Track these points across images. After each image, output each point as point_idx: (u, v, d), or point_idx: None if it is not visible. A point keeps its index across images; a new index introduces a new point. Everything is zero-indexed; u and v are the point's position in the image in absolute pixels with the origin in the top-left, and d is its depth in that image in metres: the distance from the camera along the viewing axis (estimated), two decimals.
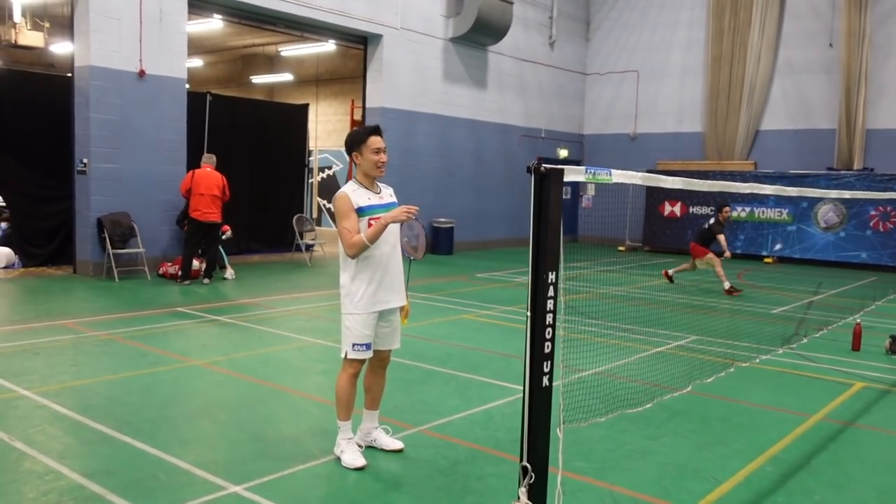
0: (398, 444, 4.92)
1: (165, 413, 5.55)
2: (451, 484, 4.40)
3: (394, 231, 4.70)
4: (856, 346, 8.50)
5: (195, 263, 12.14)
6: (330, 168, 25.40)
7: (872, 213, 17.44)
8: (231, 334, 8.43)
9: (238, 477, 4.37)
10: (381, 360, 4.88)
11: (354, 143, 4.70)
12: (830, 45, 18.83)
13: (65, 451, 4.74)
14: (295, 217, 15.66)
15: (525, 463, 2.63)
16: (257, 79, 26.42)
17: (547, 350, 2.69)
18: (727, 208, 13.37)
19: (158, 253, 12.89)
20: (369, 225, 4.53)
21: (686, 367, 7.49)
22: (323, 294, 11.44)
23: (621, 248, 21.03)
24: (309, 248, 15.61)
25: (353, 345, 4.60)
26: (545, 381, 2.70)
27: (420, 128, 17.53)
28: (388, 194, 4.82)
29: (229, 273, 12.74)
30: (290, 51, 23.40)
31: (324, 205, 25.26)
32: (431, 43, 17.62)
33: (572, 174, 2.64)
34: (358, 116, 17.44)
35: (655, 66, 21.75)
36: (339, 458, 4.66)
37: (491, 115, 19.54)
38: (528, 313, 2.68)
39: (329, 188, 25.28)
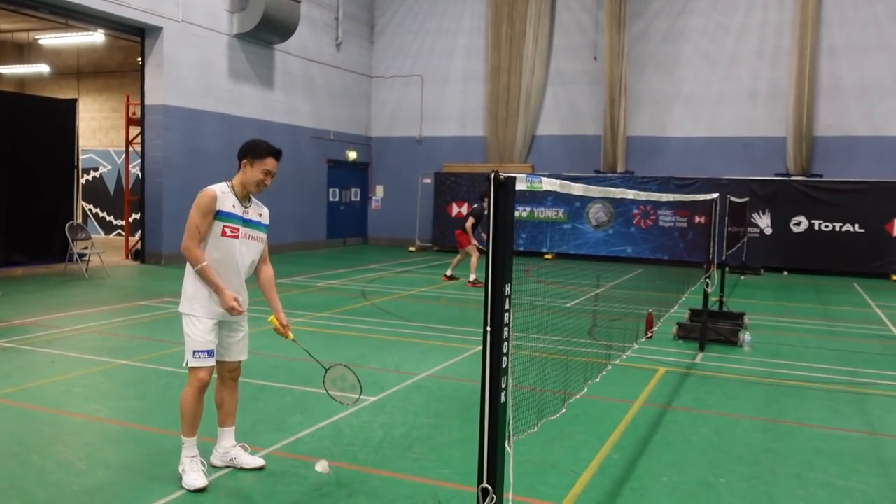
0: (259, 462, 4.69)
1: None
2: None
3: (241, 247, 4.49)
4: (648, 334, 9.31)
5: None
6: (96, 169, 23.20)
7: (635, 211, 19.33)
8: (15, 360, 7.34)
9: None
10: (230, 371, 4.65)
11: (251, 152, 4.51)
12: (595, 58, 20.57)
13: None
14: (67, 225, 14.07)
15: (486, 485, 2.51)
16: (5, 69, 23.43)
17: (504, 365, 2.59)
18: (485, 198, 14.35)
19: None
20: (223, 232, 4.41)
21: (511, 365, 7.74)
22: (113, 309, 10.38)
23: (412, 249, 21.42)
24: (82, 257, 14.11)
25: (194, 352, 4.37)
26: (503, 397, 2.60)
27: (206, 127, 16.55)
28: (256, 213, 4.61)
29: None
30: (49, 39, 21.03)
31: (90, 209, 23.02)
32: (216, 38, 16.71)
33: (520, 183, 2.57)
34: (136, 113, 16.06)
35: (439, 71, 22.39)
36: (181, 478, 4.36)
37: (280, 115, 18.97)
38: (488, 328, 2.56)
39: (95, 191, 23.10)
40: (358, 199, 23.19)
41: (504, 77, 21.35)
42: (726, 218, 10.63)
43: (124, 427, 5.45)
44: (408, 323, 9.89)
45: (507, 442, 2.66)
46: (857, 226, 17.57)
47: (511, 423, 2.81)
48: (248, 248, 4.52)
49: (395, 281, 14.40)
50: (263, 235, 4.64)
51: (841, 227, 17.73)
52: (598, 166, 20.61)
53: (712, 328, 9.01)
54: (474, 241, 14.04)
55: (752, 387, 7.10)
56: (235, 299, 4.34)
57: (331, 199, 21.71)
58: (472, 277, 13.81)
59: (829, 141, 18.73)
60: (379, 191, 23.43)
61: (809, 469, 4.97)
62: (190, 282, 4.45)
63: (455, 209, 21.16)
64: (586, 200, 19.69)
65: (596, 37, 20.53)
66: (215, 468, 4.63)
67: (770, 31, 19.09)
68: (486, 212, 13.98)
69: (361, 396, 6.22)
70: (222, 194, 4.42)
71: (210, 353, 4.40)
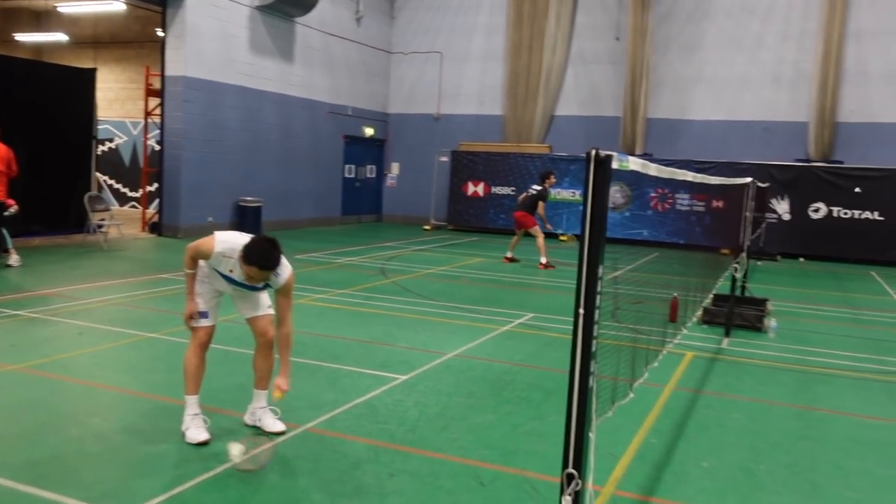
0: (279, 426, 4.86)
1: (8, 432, 4.70)
2: (365, 486, 4.14)
3: (232, 291, 4.75)
4: (672, 317, 9.25)
5: None
6: (112, 140, 23.14)
7: (652, 194, 19.20)
8: (43, 331, 7.35)
9: (124, 502, 3.80)
10: (262, 334, 4.80)
11: (243, 254, 4.33)
12: (617, 38, 20.33)
13: None
14: (86, 195, 14.06)
15: (571, 470, 2.48)
16: (22, 36, 23.32)
17: (594, 349, 2.55)
18: (553, 175, 14.28)
19: None
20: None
21: (538, 346, 7.73)
22: (135, 281, 10.39)
23: (426, 227, 21.36)
24: (101, 228, 14.11)
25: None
26: (591, 381, 2.56)
27: (226, 100, 16.47)
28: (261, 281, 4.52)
29: (14, 259, 11.16)
30: (69, 7, 20.86)
31: (104, 181, 23.00)
32: (238, 10, 16.57)
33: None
34: (156, 85, 15.97)
35: (458, 48, 22.19)
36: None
37: (298, 89, 18.85)
38: (581, 310, 2.51)
39: (110, 162, 23.05)
40: (374, 175, 23.10)
41: (524, 55, 21.13)
42: (752, 203, 10.53)
43: (158, 401, 5.45)
44: (431, 302, 9.86)
45: (590, 428, 2.62)
46: (876, 213, 17.41)
47: (595, 408, 2.76)
48: (241, 296, 4.78)
49: (413, 259, 14.37)
50: (262, 295, 4.81)
51: (860, 214, 17.58)
52: (617, 148, 20.43)
53: (738, 314, 8.96)
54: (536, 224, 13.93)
55: (781, 373, 7.06)
56: (191, 316, 4.61)
57: (346, 175, 21.63)
58: (545, 260, 13.66)
59: (851, 127, 18.51)
60: (395, 168, 23.33)
61: (848, 458, 4.94)
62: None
63: (471, 188, 21.06)
64: None
65: (619, 16, 20.27)
66: (247, 426, 4.91)
67: (796, 14, 18.81)
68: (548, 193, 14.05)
69: (395, 377, 6.25)
70: (223, 258, 4.47)
71: (203, 315, 4.64)
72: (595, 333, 2.55)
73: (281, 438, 4.75)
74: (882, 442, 5.29)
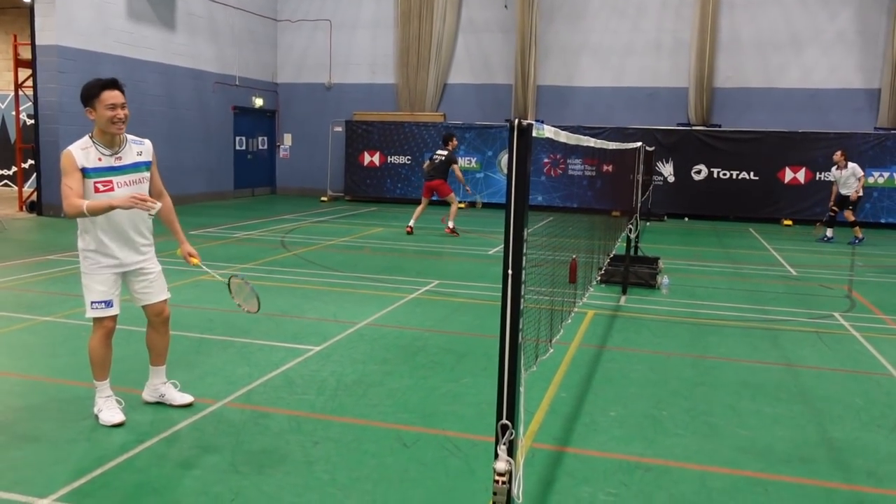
0: (188, 398, 4.85)
1: None
2: (291, 456, 4.16)
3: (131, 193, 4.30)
4: (572, 279, 9.61)
5: None
6: None
7: (545, 160, 19.69)
8: None
9: (42, 488, 3.67)
10: (157, 314, 4.73)
11: (87, 97, 4.34)
12: (506, 6, 20.56)
13: None
14: None
15: (505, 421, 2.59)
16: None
17: (522, 306, 2.65)
18: (455, 137, 14.37)
19: None
20: (95, 189, 4.29)
21: (447, 312, 7.87)
22: (20, 264, 9.82)
23: (324, 199, 21.12)
24: None
25: (92, 303, 4.43)
26: (520, 336, 2.66)
27: (104, 70, 15.55)
28: (133, 154, 4.47)
29: None
30: None
31: None
32: None
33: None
34: (26, 55, 14.95)
35: (348, 16, 21.84)
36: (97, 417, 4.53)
37: (183, 59, 18.10)
38: (509, 271, 2.60)
39: None
40: (265, 147, 22.55)
41: (415, 23, 21.05)
42: (642, 167, 11.01)
43: (64, 384, 5.24)
44: (336, 273, 9.84)
45: (520, 382, 2.74)
46: (752, 174, 18.57)
47: (523, 363, 2.88)
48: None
49: (313, 231, 14.22)
50: (146, 174, 4.53)
51: (738, 175, 18.70)
52: (509, 115, 20.77)
53: (633, 272, 9.40)
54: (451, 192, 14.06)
55: (675, 326, 7.50)
56: (133, 197, 4.11)
57: (237, 147, 21.03)
58: (452, 225, 13.84)
59: (727, 92, 19.57)
60: (287, 139, 22.85)
61: (739, 399, 5.35)
62: (80, 241, 4.45)
63: (367, 158, 20.94)
64: (498, 149, 19.91)
65: None
66: (147, 404, 4.82)
67: None
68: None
69: (309, 348, 6.24)
70: (82, 151, 4.28)
71: (108, 304, 4.43)
72: (523, 293, 2.67)
73: (199, 415, 4.69)
74: (768, 383, 5.75)
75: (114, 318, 4.51)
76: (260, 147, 22.27)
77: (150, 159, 4.56)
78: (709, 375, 5.92)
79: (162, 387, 4.83)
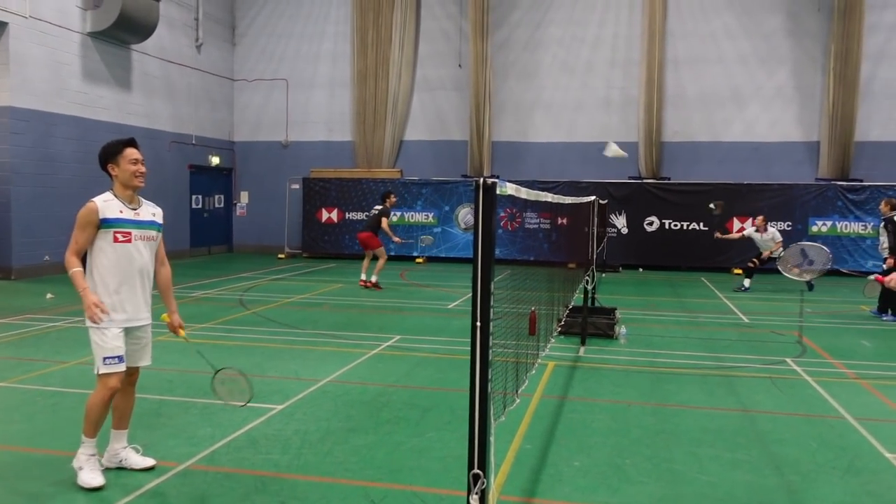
0: (149, 462, 4.79)
1: None
2: None
3: (136, 251, 4.60)
4: (532, 331, 9.74)
5: None
6: None
7: (502, 214, 19.99)
8: None
9: None
10: (129, 375, 4.73)
11: (108, 155, 4.64)
12: (459, 65, 21.11)
13: None
14: None
15: (477, 470, 2.64)
16: None
17: (491, 357, 2.73)
18: (393, 195, 14.59)
19: None
20: (115, 238, 4.51)
21: (409, 366, 7.89)
22: None
23: (281, 256, 21.05)
24: None
25: (105, 358, 4.43)
26: (490, 387, 2.73)
27: (59, 131, 15.52)
28: (149, 213, 4.76)
29: None
30: None
31: None
32: (67, 36, 15.71)
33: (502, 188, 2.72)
34: None
35: (305, 75, 22.16)
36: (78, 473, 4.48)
37: (138, 119, 18.09)
38: (478, 323, 2.68)
39: None
40: (222, 205, 22.48)
41: (371, 82, 21.43)
42: (596, 219, 11.30)
43: (22, 452, 5.11)
44: (296, 330, 9.80)
45: (490, 431, 2.80)
46: (701, 224, 19.10)
47: (492, 413, 2.95)
48: (145, 250, 4.66)
49: (271, 289, 14.15)
50: (158, 235, 4.81)
51: (688, 225, 19.22)
52: (465, 171, 21.15)
53: (591, 323, 9.56)
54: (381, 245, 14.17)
55: (634, 375, 7.64)
56: (96, 305, 4.31)
57: (194, 206, 20.93)
58: (375, 279, 13.86)
59: (675, 146, 20.25)
60: (244, 197, 22.83)
61: (700, 446, 5.46)
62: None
63: (325, 214, 21.00)
64: (455, 203, 20.18)
65: (460, 45, 21.07)
66: (108, 470, 4.70)
67: (621, 43, 20.38)
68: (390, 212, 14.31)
69: (272, 407, 6.20)
70: (105, 203, 4.52)
71: (120, 359, 4.50)
72: (490, 344, 2.76)
73: (162, 478, 4.62)
74: (726, 429, 5.88)
75: (121, 375, 4.50)
76: (216, 205, 22.20)
77: (162, 223, 4.82)
78: (669, 423, 6.03)
79: (122, 451, 4.76)
